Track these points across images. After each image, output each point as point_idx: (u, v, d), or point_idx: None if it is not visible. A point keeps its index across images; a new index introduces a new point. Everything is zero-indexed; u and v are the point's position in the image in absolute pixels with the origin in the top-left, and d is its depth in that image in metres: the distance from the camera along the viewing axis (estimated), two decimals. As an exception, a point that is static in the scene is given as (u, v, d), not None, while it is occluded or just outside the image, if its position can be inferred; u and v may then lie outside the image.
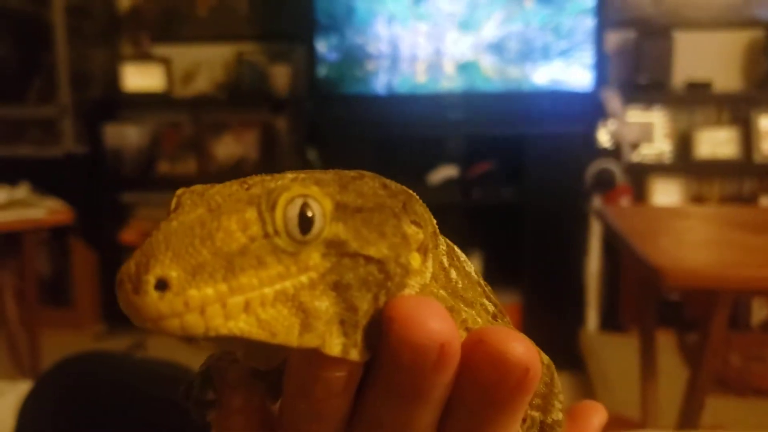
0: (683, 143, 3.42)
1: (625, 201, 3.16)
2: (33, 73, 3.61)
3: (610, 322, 3.37)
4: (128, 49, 3.58)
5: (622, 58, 3.41)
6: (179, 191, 0.29)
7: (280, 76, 3.48)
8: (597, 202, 3.17)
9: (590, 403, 0.43)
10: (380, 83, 3.27)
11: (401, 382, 0.28)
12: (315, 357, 0.28)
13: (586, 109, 3.20)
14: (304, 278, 0.27)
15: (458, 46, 3.21)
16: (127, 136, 3.54)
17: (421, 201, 0.33)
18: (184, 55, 3.57)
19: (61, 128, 3.58)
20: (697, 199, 3.42)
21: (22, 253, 2.60)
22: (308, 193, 0.28)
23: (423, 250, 0.31)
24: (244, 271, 0.26)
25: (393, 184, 0.32)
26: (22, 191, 2.50)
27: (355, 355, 0.28)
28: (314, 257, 0.28)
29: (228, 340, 0.27)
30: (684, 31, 3.38)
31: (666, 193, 3.40)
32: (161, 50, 3.57)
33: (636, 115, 3.39)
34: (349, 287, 0.28)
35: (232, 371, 0.33)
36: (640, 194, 3.38)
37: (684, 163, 3.41)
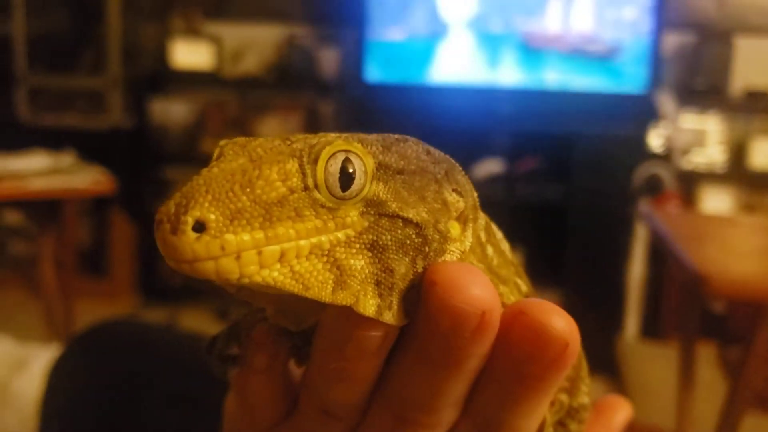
0: (737, 152, 3.33)
1: (672, 207, 3.09)
2: (85, 45, 3.63)
3: (650, 329, 3.30)
4: (179, 25, 3.58)
5: (679, 61, 3.34)
6: (222, 142, 0.30)
7: (328, 60, 3.46)
8: (644, 206, 3.10)
9: (615, 398, 0.43)
10: (431, 72, 3.24)
11: (437, 349, 0.28)
12: (351, 315, 0.28)
13: (639, 112, 3.14)
14: (341, 234, 0.27)
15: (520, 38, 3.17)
16: (173, 111, 3.55)
17: (463, 172, 0.33)
18: (234, 33, 3.56)
19: (108, 100, 3.60)
20: (749, 209, 3.33)
21: (63, 221, 2.62)
22: (351, 149, 0.28)
23: (463, 220, 0.31)
24: (281, 221, 0.26)
25: (437, 152, 0.32)
26: (67, 159, 2.51)
27: (389, 317, 0.28)
28: (352, 215, 0.28)
29: (259, 293, 0.29)
30: (746, 37, 3.29)
31: (716, 202, 3.32)
32: (212, 27, 3.57)
33: (690, 121, 3.31)
34: (386, 248, 0.28)
35: (259, 329, 0.33)
36: (689, 202, 3.30)
37: (737, 172, 3.32)
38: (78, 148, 2.66)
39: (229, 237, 0.25)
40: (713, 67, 3.27)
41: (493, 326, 0.27)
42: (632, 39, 3.10)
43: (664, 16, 3.09)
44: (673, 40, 3.31)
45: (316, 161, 0.27)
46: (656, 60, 3.10)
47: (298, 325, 0.32)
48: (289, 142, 0.29)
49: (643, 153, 3.19)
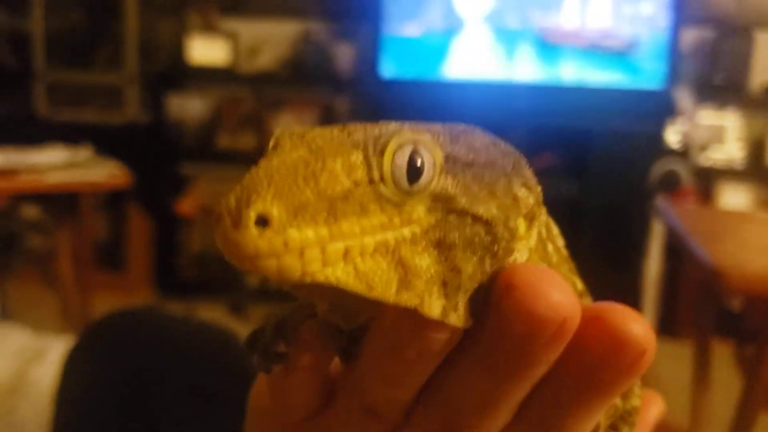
0: (756, 148, 3.30)
1: (689, 204, 3.07)
2: (102, 41, 3.65)
3: (666, 326, 3.28)
4: (196, 21, 3.59)
5: (697, 56, 3.31)
6: (278, 131, 0.28)
7: (344, 56, 3.46)
8: (660, 202, 3.09)
9: (649, 392, 0.42)
10: (446, 68, 3.23)
11: (505, 354, 0.26)
12: (415, 316, 0.26)
13: (656, 107, 3.13)
14: (406, 231, 0.26)
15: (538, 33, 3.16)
16: (189, 107, 3.56)
17: (528, 165, 0.31)
18: (250, 29, 3.57)
19: (126, 96, 3.62)
20: (767, 206, 3.31)
21: (79, 215, 2.63)
22: (420, 140, 0.26)
23: (530, 217, 0.30)
24: (346, 217, 0.25)
25: (502, 143, 0.31)
26: (83, 153, 2.52)
27: (454, 319, 0.26)
28: (419, 210, 0.26)
29: (317, 290, 0.27)
30: (765, 32, 3.27)
31: (734, 199, 3.29)
32: (228, 23, 3.58)
33: (708, 117, 3.28)
34: (453, 247, 0.26)
35: (307, 327, 0.32)
36: (706, 198, 3.28)
37: (755, 168, 3.29)
38: (95, 143, 2.68)
39: (293, 233, 0.24)
40: (732, 63, 3.24)
41: (570, 333, 0.26)
42: (650, 34, 3.09)
43: (682, 11, 3.07)
44: (691, 35, 3.29)
45: (382, 153, 0.26)
46: (674, 55, 3.09)
47: (350, 323, 0.30)
48: (347, 133, 0.27)
49: (660, 149, 3.17)
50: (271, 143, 0.27)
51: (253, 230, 0.23)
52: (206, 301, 3.38)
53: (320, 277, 0.24)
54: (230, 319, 3.27)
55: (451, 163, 0.27)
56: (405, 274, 0.25)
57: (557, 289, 0.25)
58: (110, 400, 0.75)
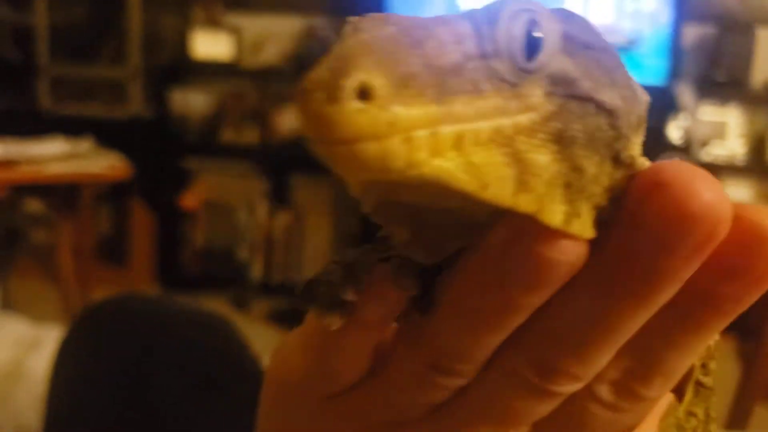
0: (757, 144, 3.29)
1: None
2: (106, 35, 3.65)
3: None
4: (200, 15, 3.59)
5: (699, 52, 3.30)
6: (354, 18, 0.23)
7: (348, 51, 3.45)
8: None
9: None
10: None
11: (641, 270, 0.22)
12: (531, 230, 0.22)
13: (658, 103, 3.10)
14: (524, 119, 0.21)
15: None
16: (192, 102, 3.57)
17: None
18: (254, 24, 3.57)
19: (129, 90, 3.63)
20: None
21: (80, 207, 2.63)
22: (536, 9, 0.22)
23: (639, 123, 0.25)
24: (458, 95, 0.20)
25: None
26: (84, 145, 2.52)
27: (578, 228, 0.22)
28: (537, 94, 0.22)
29: (398, 210, 0.24)
30: (767, 29, 3.26)
31: (736, 195, 3.28)
32: (232, 18, 3.58)
33: (710, 113, 3.28)
34: (574, 141, 0.22)
35: (379, 272, 0.27)
36: (708, 195, 3.27)
37: (757, 164, 3.28)
38: (98, 137, 2.68)
39: (400, 110, 0.19)
40: (734, 59, 3.23)
41: (719, 240, 0.21)
42: (652, 30, 3.08)
43: (684, 7, 3.07)
44: (693, 32, 3.28)
45: (495, 21, 0.21)
46: (676, 51, 3.08)
47: (432, 257, 0.26)
48: (433, 17, 0.22)
49: (662, 145, 3.17)
50: (348, 29, 0.22)
51: (353, 104, 0.19)
52: (209, 296, 3.38)
53: (427, 170, 0.20)
54: (233, 313, 3.27)
55: (568, 42, 0.23)
56: (522, 171, 0.21)
57: (713, 188, 0.21)
58: (104, 386, 0.74)
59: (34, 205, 3.20)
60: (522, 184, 0.21)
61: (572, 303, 0.24)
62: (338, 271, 0.27)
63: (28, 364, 1.48)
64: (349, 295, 0.27)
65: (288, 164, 3.46)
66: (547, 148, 0.22)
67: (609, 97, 0.23)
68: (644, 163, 0.24)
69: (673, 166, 0.21)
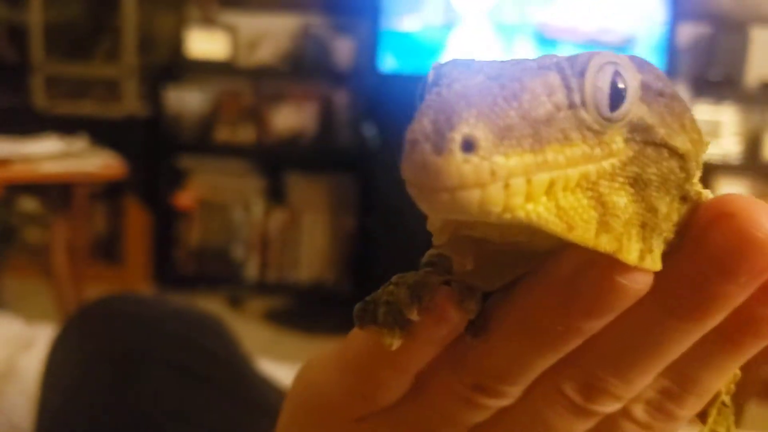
0: (752, 143, 3.30)
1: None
2: (101, 33, 3.65)
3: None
4: (195, 14, 3.59)
5: (694, 52, 3.31)
6: (435, 64, 0.25)
7: (343, 49, 3.46)
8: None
9: None
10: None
11: (701, 293, 0.24)
12: (603, 261, 0.23)
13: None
14: (606, 164, 0.23)
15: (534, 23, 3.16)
16: (187, 100, 3.56)
17: None
18: (250, 23, 3.57)
19: (124, 89, 3.62)
20: (764, 201, 3.30)
21: (75, 206, 2.63)
22: (620, 62, 0.24)
23: (701, 161, 0.27)
24: (550, 144, 0.22)
25: None
26: (79, 143, 2.52)
27: (650, 263, 0.24)
28: (618, 141, 0.24)
29: (468, 242, 0.25)
30: (762, 28, 3.26)
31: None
32: (228, 17, 3.58)
33: (704, 112, 3.28)
34: (649, 184, 0.24)
35: (444, 293, 0.27)
36: (703, 193, 3.28)
37: (752, 163, 3.29)
38: (93, 136, 2.68)
39: (500, 160, 0.21)
40: (728, 58, 3.24)
41: None
42: (647, 29, 3.08)
43: (678, 7, 3.07)
44: (687, 31, 3.29)
45: (583, 74, 0.23)
46: (671, 51, 3.08)
47: (490, 283, 0.28)
48: (515, 62, 0.24)
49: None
50: (431, 76, 0.24)
51: (458, 155, 0.21)
52: (204, 295, 3.38)
53: (521, 214, 0.21)
54: (229, 312, 3.27)
55: (644, 91, 0.25)
56: (603, 213, 0.23)
57: None
58: (95, 385, 0.74)
59: (28, 204, 3.20)
60: (603, 224, 0.23)
61: (626, 326, 0.25)
62: (402, 291, 0.28)
63: (22, 363, 1.48)
64: (414, 315, 0.27)
65: (283, 163, 3.46)
66: (626, 191, 0.24)
67: (681, 141, 0.25)
68: (708, 195, 0.26)
69: (738, 198, 0.23)
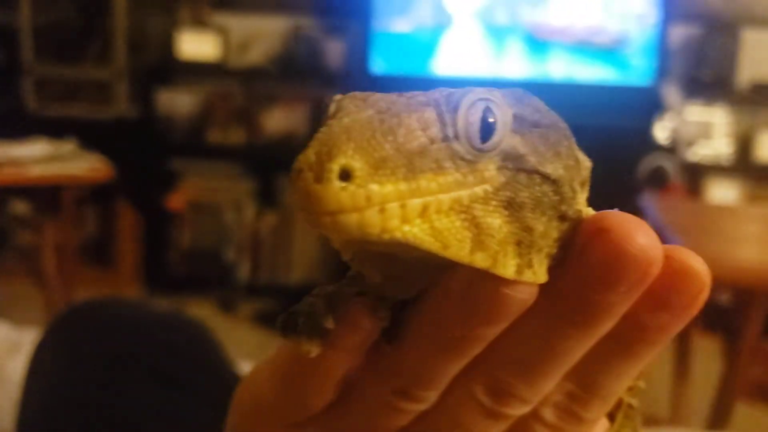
0: (743, 144, 3.31)
1: (677, 199, 3.07)
2: (91, 35, 3.64)
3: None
4: (186, 16, 3.58)
5: (685, 53, 3.31)
6: (338, 96, 0.28)
7: (335, 51, 3.46)
8: (645, 198, 3.09)
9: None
10: (436, 64, 3.23)
11: (588, 303, 0.26)
12: (488, 275, 0.26)
13: (645, 104, 3.13)
14: (479, 190, 0.26)
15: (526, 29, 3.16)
16: (178, 102, 3.55)
17: None
18: (241, 24, 3.56)
19: (115, 91, 3.61)
20: (755, 202, 3.31)
21: (63, 209, 2.63)
22: (491, 98, 0.26)
23: (583, 182, 0.30)
24: (424, 173, 0.25)
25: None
26: (67, 147, 2.52)
27: (530, 276, 0.26)
28: (490, 169, 0.26)
29: (373, 258, 0.28)
30: (752, 29, 3.27)
31: (722, 195, 3.29)
32: (218, 18, 3.57)
33: (696, 113, 3.29)
34: (523, 206, 0.26)
35: (357, 304, 0.30)
36: (694, 194, 3.28)
37: (743, 164, 3.30)
38: (84, 139, 2.68)
39: (375, 187, 0.24)
40: (720, 59, 3.25)
41: (652, 278, 0.25)
42: (639, 30, 3.09)
43: (670, 8, 3.08)
44: (679, 32, 3.29)
45: (456, 109, 0.26)
46: (663, 52, 3.09)
47: (401, 293, 0.30)
48: (407, 97, 0.27)
49: (648, 145, 3.18)
50: (332, 108, 0.27)
51: (336, 184, 0.23)
52: (195, 298, 3.37)
53: (398, 234, 0.24)
54: (220, 314, 3.27)
55: (519, 123, 0.27)
56: (478, 233, 0.25)
57: (646, 234, 0.25)
58: (77, 389, 0.74)
59: (19, 207, 3.19)
60: (478, 243, 0.25)
61: (524, 334, 0.28)
62: (319, 302, 0.31)
63: (8, 368, 1.47)
64: (329, 323, 0.30)
65: (275, 165, 3.45)
66: (500, 213, 0.26)
67: (552, 168, 0.27)
68: (590, 213, 0.28)
69: (612, 215, 0.26)
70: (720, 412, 1.67)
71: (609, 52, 3.13)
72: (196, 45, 3.49)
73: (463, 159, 0.26)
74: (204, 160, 3.56)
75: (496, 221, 0.26)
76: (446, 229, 0.25)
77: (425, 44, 3.23)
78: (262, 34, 3.57)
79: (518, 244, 0.26)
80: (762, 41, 3.27)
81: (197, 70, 3.55)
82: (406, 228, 0.24)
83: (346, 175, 0.23)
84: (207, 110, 3.57)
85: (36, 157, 2.36)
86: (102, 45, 3.62)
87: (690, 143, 3.27)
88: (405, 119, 0.25)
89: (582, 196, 0.29)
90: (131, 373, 0.75)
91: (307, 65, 3.46)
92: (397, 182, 0.24)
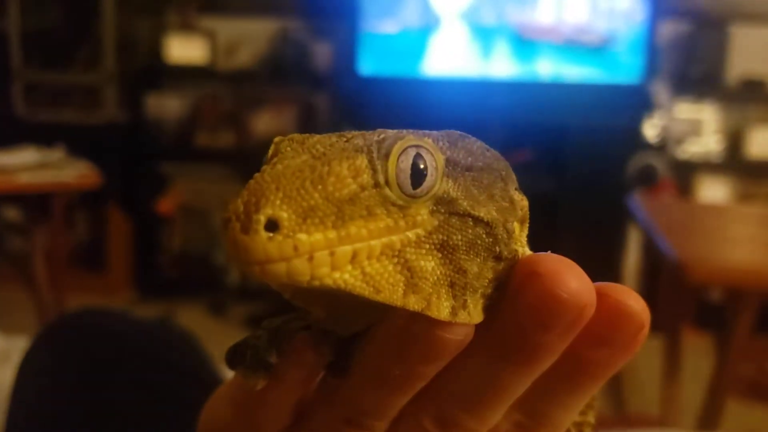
0: (733, 141, 3.31)
1: (667, 198, 3.08)
2: (80, 40, 3.63)
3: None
4: (174, 19, 3.58)
5: (674, 50, 3.31)
6: (277, 139, 0.28)
7: (322, 53, 3.45)
8: (633, 197, 3.09)
9: None
10: (424, 65, 3.23)
11: (524, 343, 0.27)
12: (426, 316, 0.26)
13: (634, 102, 3.13)
14: (411, 234, 0.26)
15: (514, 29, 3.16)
16: (168, 106, 3.55)
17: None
18: (229, 27, 3.56)
19: (104, 96, 3.60)
20: (745, 199, 3.31)
21: (53, 215, 2.63)
22: (422, 144, 0.27)
23: (522, 220, 0.30)
24: (354, 220, 0.25)
25: (492, 149, 0.31)
26: (56, 154, 2.52)
27: (464, 317, 0.27)
28: (422, 213, 0.27)
29: (314, 297, 0.28)
30: (741, 25, 3.27)
31: (712, 192, 3.30)
32: (206, 22, 3.57)
33: (685, 110, 3.29)
34: (457, 248, 0.27)
35: (300, 340, 0.31)
36: (684, 192, 3.29)
37: (733, 161, 3.30)
38: (73, 143, 2.67)
39: (302, 237, 0.24)
40: (709, 56, 3.25)
41: (587, 319, 0.26)
42: (626, 28, 3.09)
43: (658, 5, 3.07)
44: (668, 29, 3.29)
45: (387, 157, 0.26)
46: (651, 49, 3.09)
47: (345, 331, 0.31)
48: (346, 139, 0.27)
49: (637, 143, 3.18)
50: (271, 150, 0.28)
51: (262, 234, 0.23)
52: (186, 301, 3.37)
53: (328, 281, 0.24)
54: (210, 319, 3.27)
55: (451, 167, 0.28)
56: (411, 276, 0.26)
57: (578, 277, 0.26)
58: (63, 401, 0.73)
59: (10, 213, 3.18)
60: (411, 286, 0.26)
61: (467, 369, 0.28)
62: (264, 337, 0.32)
63: (-4, 377, 1.46)
64: (272, 358, 0.31)
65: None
66: (433, 256, 0.27)
67: (485, 211, 0.28)
68: (527, 253, 0.29)
69: (544, 258, 0.26)
70: (711, 411, 1.67)
71: (597, 50, 3.13)
72: (184, 49, 3.49)
73: (394, 204, 0.26)
74: (193, 163, 3.55)
75: (429, 264, 0.26)
76: (378, 274, 0.25)
77: (413, 45, 3.23)
78: (250, 37, 3.57)
79: (452, 285, 0.26)
80: (751, 37, 3.27)
81: (185, 74, 3.55)
82: (337, 275, 0.24)
83: (273, 226, 0.24)
84: (196, 114, 3.56)
85: (24, 165, 2.36)
86: (90, 50, 3.61)
87: (679, 141, 3.27)
88: (336, 167, 0.25)
89: (521, 234, 0.30)
90: (117, 383, 0.74)
91: (295, 67, 3.45)
92: (325, 230, 0.24)
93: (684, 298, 2.09)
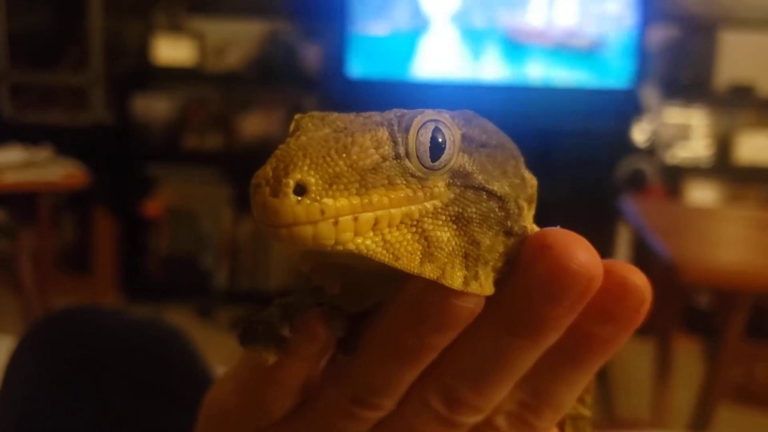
0: (722, 146, 3.32)
1: (656, 202, 3.08)
2: (67, 41, 3.62)
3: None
4: (162, 21, 3.56)
5: (664, 55, 3.32)
6: (297, 116, 0.29)
7: (311, 55, 3.45)
8: (625, 201, 3.09)
9: None
10: (413, 67, 3.22)
11: (532, 315, 0.27)
12: (440, 286, 0.27)
13: (623, 106, 3.13)
14: (429, 205, 0.27)
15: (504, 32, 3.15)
16: (155, 108, 3.53)
17: None
18: (217, 29, 3.55)
19: (91, 97, 3.59)
20: (734, 203, 3.32)
21: (39, 216, 2.61)
22: (441, 119, 0.28)
23: (530, 200, 0.32)
24: (376, 188, 0.26)
25: (502, 131, 0.32)
26: (43, 153, 2.50)
27: (476, 287, 0.27)
28: (440, 185, 0.28)
29: (330, 269, 0.30)
30: (731, 31, 3.28)
31: (702, 197, 3.31)
32: (194, 23, 3.55)
33: (675, 115, 3.30)
34: (471, 221, 0.28)
35: (314, 314, 0.32)
36: (674, 196, 3.29)
37: (722, 166, 3.31)
38: (60, 145, 2.66)
39: (329, 201, 0.25)
40: (698, 61, 3.26)
41: (593, 292, 0.27)
42: (616, 33, 3.09)
43: (648, 10, 3.08)
44: (657, 34, 3.30)
45: (407, 130, 0.27)
46: (641, 54, 3.09)
47: (358, 306, 0.32)
48: (363, 116, 0.29)
49: (627, 147, 3.18)
50: (292, 126, 0.29)
51: (291, 197, 0.25)
52: (173, 304, 3.35)
53: (351, 246, 0.26)
54: (198, 322, 3.25)
55: (467, 142, 0.29)
56: (428, 245, 0.27)
57: (587, 250, 0.26)
58: (53, 399, 0.73)
59: (-1, 215, 3.17)
60: (428, 255, 0.27)
61: (474, 344, 0.29)
62: (276, 312, 0.32)
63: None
64: (285, 332, 0.31)
65: (252, 170, 3.40)
66: (449, 227, 0.28)
67: (499, 186, 0.29)
68: (535, 229, 0.29)
69: (554, 232, 0.27)
70: (702, 414, 1.67)
71: (587, 54, 3.13)
72: (172, 50, 3.48)
73: (413, 176, 0.27)
74: (181, 165, 3.54)
75: (444, 235, 0.27)
76: (397, 242, 0.27)
77: (402, 48, 3.22)
78: (238, 39, 3.56)
79: (465, 256, 0.28)
80: (740, 42, 3.28)
81: (173, 76, 3.54)
82: (359, 240, 0.26)
83: (301, 190, 0.25)
84: (183, 115, 3.55)
85: (11, 164, 2.34)
86: (78, 51, 3.59)
87: (669, 145, 3.27)
88: (359, 138, 0.27)
89: (529, 213, 0.32)
90: (108, 381, 0.74)
91: (284, 69, 3.44)
92: (350, 197, 0.26)
93: (674, 301, 2.08)
